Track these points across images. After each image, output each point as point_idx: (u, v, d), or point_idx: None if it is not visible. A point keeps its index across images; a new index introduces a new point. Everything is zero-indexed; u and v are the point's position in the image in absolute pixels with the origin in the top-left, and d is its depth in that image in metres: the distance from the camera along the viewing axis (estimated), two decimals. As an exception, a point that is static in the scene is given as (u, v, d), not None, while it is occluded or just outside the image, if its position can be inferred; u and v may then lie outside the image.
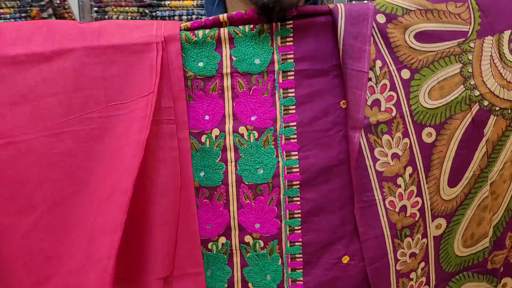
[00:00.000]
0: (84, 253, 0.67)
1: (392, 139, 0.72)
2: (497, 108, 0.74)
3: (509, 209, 0.80)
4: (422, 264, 0.78)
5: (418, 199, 0.74)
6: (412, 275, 0.78)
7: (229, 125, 0.70)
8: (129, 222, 0.69)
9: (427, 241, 0.77)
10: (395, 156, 0.72)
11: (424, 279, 0.79)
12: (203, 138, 0.70)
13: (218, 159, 0.71)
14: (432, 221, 0.76)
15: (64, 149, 0.67)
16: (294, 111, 0.70)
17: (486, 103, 0.74)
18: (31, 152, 0.67)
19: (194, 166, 0.71)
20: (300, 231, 0.72)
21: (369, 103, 0.71)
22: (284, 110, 0.70)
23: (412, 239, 0.76)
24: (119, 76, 0.68)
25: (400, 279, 0.77)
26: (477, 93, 0.73)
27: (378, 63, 0.70)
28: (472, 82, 0.73)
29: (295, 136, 0.70)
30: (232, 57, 0.69)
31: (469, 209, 0.78)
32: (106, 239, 0.64)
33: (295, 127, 0.70)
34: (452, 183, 0.75)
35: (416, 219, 0.75)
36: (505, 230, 0.82)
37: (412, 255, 0.77)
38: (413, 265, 0.77)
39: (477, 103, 0.74)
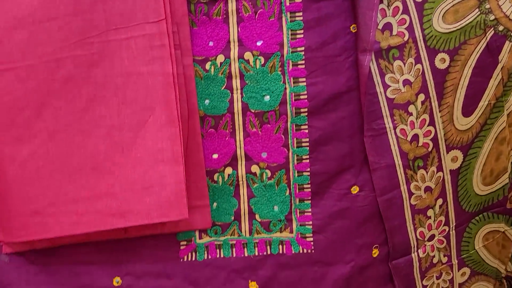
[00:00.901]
0: (107, 179, 0.66)
1: (404, 65, 0.69)
2: (512, 33, 0.71)
3: (527, 143, 0.77)
4: (440, 201, 0.76)
5: (431, 128, 0.71)
6: (430, 212, 0.75)
7: (234, 51, 0.68)
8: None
9: (443, 174, 0.74)
10: (407, 82, 0.70)
11: (443, 218, 0.77)
12: (207, 65, 0.68)
13: (224, 87, 0.69)
14: (447, 152, 0.74)
15: (65, 75, 0.65)
16: (302, 35, 0.68)
17: (501, 28, 0.70)
18: (31, 78, 0.65)
19: (199, 94, 0.69)
20: (308, 160, 0.70)
21: (380, 26, 0.68)
22: (292, 34, 0.68)
23: (426, 171, 0.73)
24: None
25: (416, 215, 0.74)
26: (492, 17, 0.70)
27: None
28: (487, 6, 0.70)
29: (303, 61, 0.68)
30: None
31: (486, 142, 0.75)
32: (165, 169, 0.65)
33: (303, 52, 0.68)
34: (467, 112, 0.72)
35: (429, 149, 0.72)
36: (523, 166, 0.79)
37: (428, 189, 0.74)
38: (429, 201, 0.75)
39: (492, 28, 0.70)
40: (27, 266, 0.69)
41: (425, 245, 0.76)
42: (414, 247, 0.75)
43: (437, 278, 0.79)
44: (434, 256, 0.78)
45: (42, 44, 0.65)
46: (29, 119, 0.66)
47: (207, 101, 0.69)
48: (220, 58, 0.68)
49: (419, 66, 0.70)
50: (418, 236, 0.75)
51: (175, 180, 0.66)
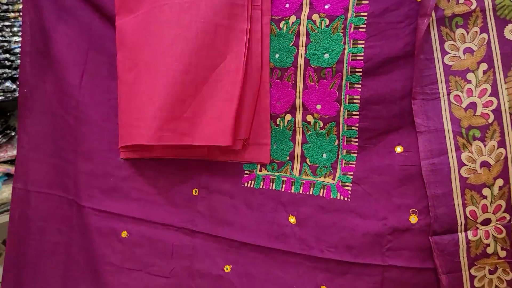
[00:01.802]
0: (181, 106, 0.80)
1: (467, 33, 0.70)
2: None
3: None
4: (500, 182, 0.72)
5: (493, 98, 0.70)
6: (486, 191, 0.72)
7: (305, 12, 0.79)
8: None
9: (506, 152, 0.71)
10: (468, 50, 0.70)
11: (503, 203, 0.72)
12: (281, 24, 0.81)
13: (292, 43, 0.80)
14: (512, 128, 0.70)
15: (164, 18, 0.81)
16: (367, 2, 0.75)
17: None
18: (146, 21, 0.83)
19: (271, 49, 0.82)
20: (358, 116, 0.76)
21: (446, -6, 0.71)
22: (358, 0, 0.76)
23: (484, 145, 0.71)
24: None
25: (467, 190, 0.72)
26: None
27: None
28: None
29: (364, 25, 0.75)
30: None
31: None
32: (225, 105, 0.79)
33: (365, 17, 0.75)
34: (540, 87, 0.68)
35: (490, 121, 0.70)
36: None
37: (485, 164, 0.71)
38: (486, 178, 0.72)
39: None
40: (135, 168, 0.93)
41: (477, 228, 0.73)
42: (461, 225, 0.73)
43: (491, 272, 0.74)
44: (488, 245, 0.73)
45: None
46: (135, 54, 0.84)
47: (277, 55, 0.82)
48: (292, 18, 0.80)
49: (484, 35, 0.69)
50: (468, 215, 0.72)
51: (228, 115, 0.79)
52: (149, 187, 0.92)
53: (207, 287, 0.86)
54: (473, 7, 0.69)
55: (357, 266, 0.75)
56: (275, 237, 0.81)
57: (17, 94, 1.47)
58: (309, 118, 0.81)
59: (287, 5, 0.80)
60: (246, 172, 0.86)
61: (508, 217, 0.72)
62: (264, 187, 0.84)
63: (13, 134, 1.63)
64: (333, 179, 0.79)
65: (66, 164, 0.96)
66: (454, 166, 0.72)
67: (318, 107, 0.80)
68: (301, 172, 0.82)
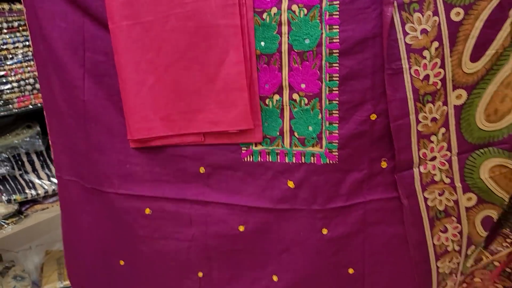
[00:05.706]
0: (202, 99, 0.93)
1: (423, 17, 0.85)
2: (524, -9, 0.83)
3: (533, 88, 0.90)
4: (443, 130, 0.93)
5: (441, 70, 0.88)
6: (433, 138, 0.93)
7: (284, 4, 0.87)
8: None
9: (447, 108, 0.91)
10: (423, 31, 0.86)
11: (445, 144, 0.94)
12: (264, 15, 0.88)
13: (275, 32, 0.89)
14: (453, 90, 0.90)
15: (171, 26, 0.90)
16: None
17: (515, -15, 0.82)
18: (152, 29, 0.92)
19: (257, 38, 0.90)
20: (337, 91, 0.90)
21: (404, -16, 0.83)
22: None
23: (434, 105, 0.90)
24: None
25: (421, 139, 0.92)
26: (507, -24, 0.82)
27: None
28: (504, -34, 0.82)
29: (338, 12, 0.86)
30: None
31: (491, 84, 0.90)
32: (236, 94, 0.91)
33: (338, 5, 0.85)
34: (475, 58, 0.87)
35: (438, 87, 0.89)
36: (530, 110, 0.92)
37: (433, 120, 0.91)
38: (434, 129, 0.92)
39: (506, -14, 0.82)
40: (145, 154, 1.03)
41: (427, 163, 0.95)
42: (416, 163, 0.94)
43: (440, 195, 0.97)
44: (435, 175, 0.96)
45: (157, 5, 0.89)
46: (152, 57, 0.93)
47: (262, 43, 0.90)
48: (274, 9, 0.88)
49: (436, 18, 0.85)
50: (421, 156, 0.93)
51: (242, 102, 0.91)
52: (161, 168, 1.03)
53: (225, 245, 1.02)
54: (426, -6, 0.84)
55: (347, 207, 0.95)
56: (278, 199, 0.96)
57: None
58: (295, 96, 0.93)
59: None
60: (243, 148, 0.98)
61: (449, 154, 0.95)
62: (261, 160, 0.97)
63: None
64: (321, 147, 0.94)
65: (81, 158, 1.05)
66: (413, 125, 0.91)
67: (303, 86, 0.91)
68: (291, 144, 0.95)
